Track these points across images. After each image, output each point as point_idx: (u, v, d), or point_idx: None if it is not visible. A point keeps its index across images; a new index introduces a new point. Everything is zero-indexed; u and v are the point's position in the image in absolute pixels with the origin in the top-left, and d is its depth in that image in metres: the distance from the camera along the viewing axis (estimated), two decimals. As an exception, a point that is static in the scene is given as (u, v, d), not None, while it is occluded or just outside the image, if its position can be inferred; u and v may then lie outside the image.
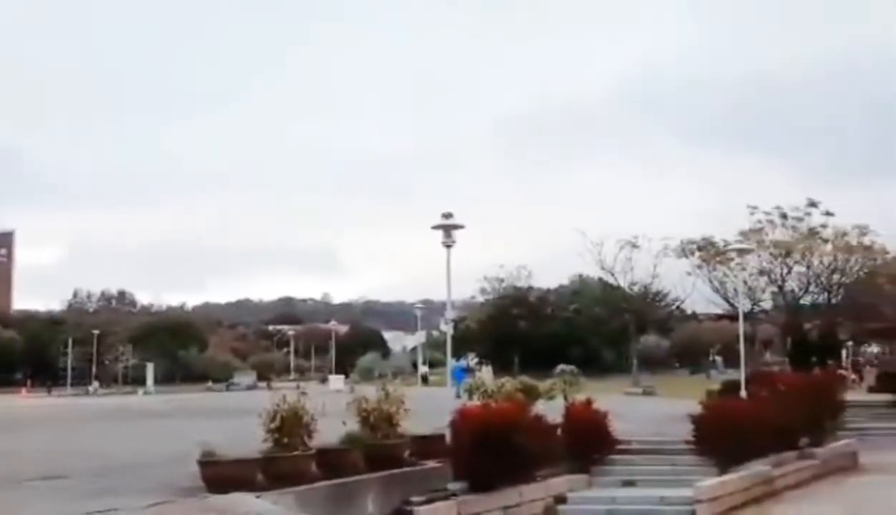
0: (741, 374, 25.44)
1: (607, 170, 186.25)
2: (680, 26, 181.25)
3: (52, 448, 18.32)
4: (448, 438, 14.47)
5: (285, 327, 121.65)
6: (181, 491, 10.90)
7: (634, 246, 57.67)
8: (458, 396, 20.90)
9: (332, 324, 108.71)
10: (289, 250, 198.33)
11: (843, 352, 56.31)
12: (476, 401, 17.84)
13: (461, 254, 18.01)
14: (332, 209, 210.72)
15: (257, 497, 10.45)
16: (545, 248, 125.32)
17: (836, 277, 44.84)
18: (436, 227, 17.51)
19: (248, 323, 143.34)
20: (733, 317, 42.60)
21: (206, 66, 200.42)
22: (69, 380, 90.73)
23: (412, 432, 14.26)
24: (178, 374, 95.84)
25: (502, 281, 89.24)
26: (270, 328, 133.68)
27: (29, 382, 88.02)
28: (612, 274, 61.29)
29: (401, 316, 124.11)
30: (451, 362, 23.14)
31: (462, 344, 67.13)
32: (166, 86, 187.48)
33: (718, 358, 75.99)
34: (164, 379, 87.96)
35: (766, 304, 47.23)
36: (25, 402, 59.63)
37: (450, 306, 18.95)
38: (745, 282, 39.77)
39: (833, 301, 45.87)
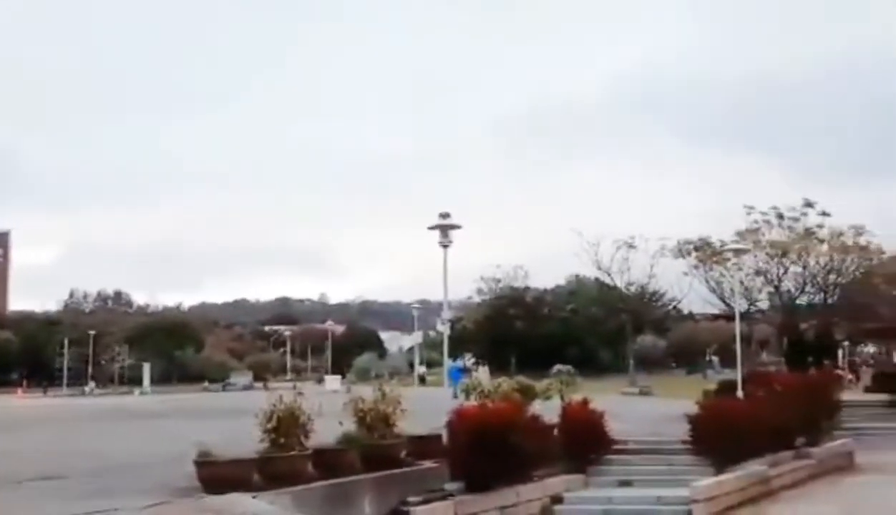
0: (738, 374, 25.46)
1: (606, 171, 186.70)
2: (680, 26, 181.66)
3: (49, 448, 18.27)
4: (445, 438, 14.47)
5: (282, 327, 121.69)
6: (178, 492, 10.89)
7: (631, 246, 57.79)
8: (455, 396, 20.90)
9: (329, 325, 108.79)
10: (285, 250, 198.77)
11: (840, 352, 56.37)
12: (473, 401, 17.82)
13: (458, 253, 18.08)
14: (329, 209, 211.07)
15: (254, 497, 10.45)
16: (542, 248, 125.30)
17: (832, 277, 44.92)
18: (432, 228, 17.54)
19: (245, 324, 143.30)
20: (730, 317, 42.68)
21: (206, 66, 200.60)
22: (65, 381, 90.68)
23: (409, 432, 14.26)
24: (174, 374, 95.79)
25: (499, 281, 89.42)
26: (267, 328, 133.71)
27: (25, 382, 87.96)
28: (609, 275, 61.37)
29: (397, 317, 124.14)
30: (447, 362, 23.17)
31: (459, 344, 67.16)
32: (166, 86, 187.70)
33: (715, 358, 76.12)
34: (160, 380, 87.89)
35: (763, 304, 47.33)
36: (21, 403, 59.52)
37: (446, 306, 19.00)
38: (742, 283, 39.82)
39: (829, 301, 45.95)
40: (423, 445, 14.56)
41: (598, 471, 17.56)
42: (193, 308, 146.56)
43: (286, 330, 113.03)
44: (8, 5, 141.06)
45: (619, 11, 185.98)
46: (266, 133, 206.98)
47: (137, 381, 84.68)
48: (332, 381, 62.68)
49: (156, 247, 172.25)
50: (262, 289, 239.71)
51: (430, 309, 68.23)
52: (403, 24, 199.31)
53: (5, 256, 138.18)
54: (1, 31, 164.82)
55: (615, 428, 18.74)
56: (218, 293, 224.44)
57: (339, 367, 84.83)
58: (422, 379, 61.07)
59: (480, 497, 13.51)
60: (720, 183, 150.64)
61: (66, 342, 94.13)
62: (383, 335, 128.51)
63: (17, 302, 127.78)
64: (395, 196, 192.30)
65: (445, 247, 17.53)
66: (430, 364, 70.35)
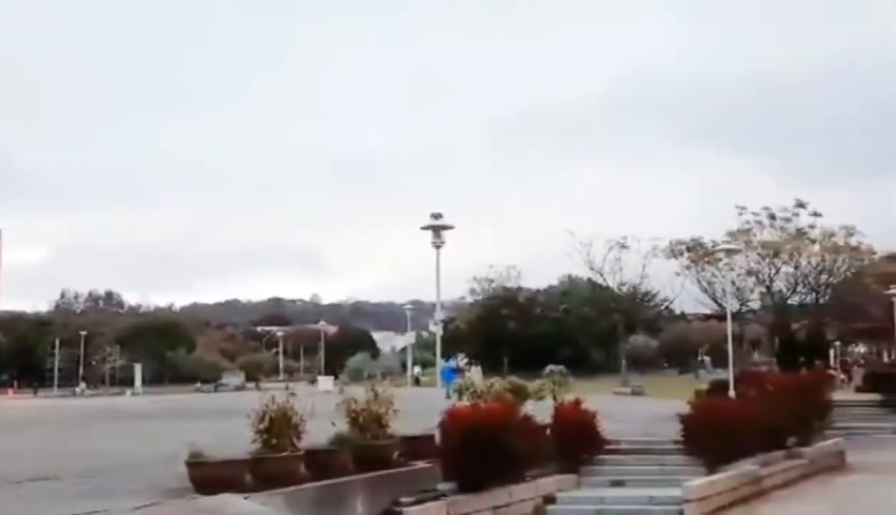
0: (729, 374, 25.55)
1: (601, 171, 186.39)
2: (680, 26, 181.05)
3: (40, 449, 18.22)
4: (438, 438, 14.46)
5: (274, 328, 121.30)
6: (169, 493, 10.87)
7: (623, 246, 57.93)
8: (447, 396, 20.91)
9: (322, 325, 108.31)
10: (278, 250, 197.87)
11: (831, 352, 56.65)
12: (465, 402, 17.84)
13: (451, 254, 18.06)
14: (324, 209, 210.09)
15: (246, 498, 10.43)
16: (535, 248, 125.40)
17: (823, 277, 45.14)
18: (425, 228, 17.53)
19: (237, 324, 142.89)
20: (722, 318, 42.83)
21: (206, 66, 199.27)
22: (56, 382, 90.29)
23: (401, 433, 14.25)
24: (166, 375, 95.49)
25: (492, 281, 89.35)
26: (259, 329, 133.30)
27: (16, 383, 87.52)
28: (602, 275, 61.57)
29: (390, 317, 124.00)
30: (440, 363, 23.20)
31: (451, 344, 67.18)
32: (166, 86, 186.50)
33: (707, 358, 76.21)
34: (151, 380, 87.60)
35: (755, 304, 47.53)
36: (12, 403, 59.25)
37: (439, 307, 19.01)
38: (734, 283, 39.97)
39: (821, 301, 46.18)
40: (416, 445, 14.56)
41: (590, 471, 17.58)
42: (185, 308, 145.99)
43: (278, 331, 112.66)
44: (8, 5, 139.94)
45: (619, 11, 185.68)
46: (266, 133, 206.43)
47: (129, 382, 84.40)
48: (325, 382, 62.50)
49: (150, 247, 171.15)
50: (255, 290, 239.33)
51: (422, 310, 68.20)
52: (403, 24, 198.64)
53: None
54: (1, 31, 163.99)
55: (607, 428, 18.76)
56: (210, 293, 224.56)
57: (332, 368, 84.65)
58: (416, 380, 61.08)
59: (473, 498, 13.51)
60: (713, 183, 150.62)
61: (56, 342, 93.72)
62: (376, 335, 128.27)
63: (8, 303, 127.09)
64: (390, 196, 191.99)
65: (438, 247, 17.51)
66: (424, 364, 70.30)
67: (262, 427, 11.84)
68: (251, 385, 76.53)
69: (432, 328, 41.47)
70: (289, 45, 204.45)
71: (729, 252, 32.41)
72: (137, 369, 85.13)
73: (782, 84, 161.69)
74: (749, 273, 44.81)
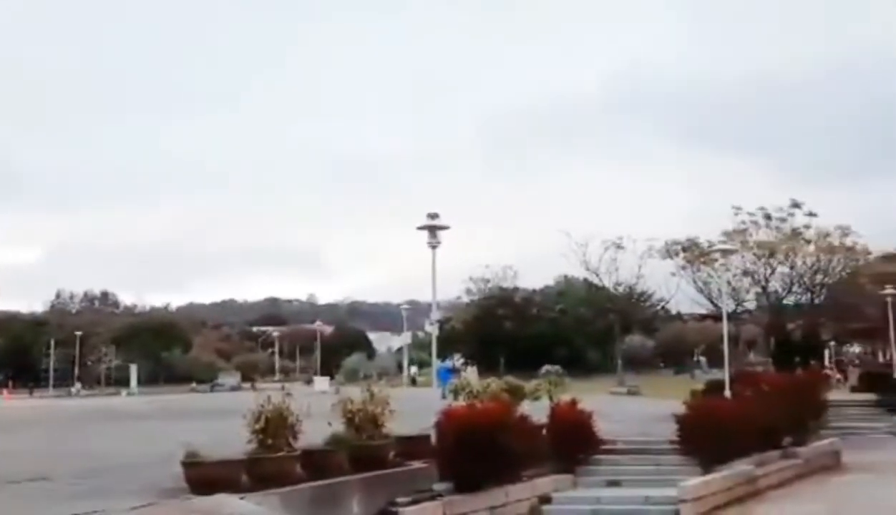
0: (725, 374, 25.53)
1: (598, 171, 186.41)
2: (679, 26, 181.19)
3: (36, 449, 18.19)
4: (433, 439, 14.47)
5: (270, 328, 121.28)
6: (165, 493, 10.87)
7: (619, 247, 58.06)
8: (443, 397, 20.89)
9: (318, 325, 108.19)
10: (276, 250, 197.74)
11: (826, 352, 56.76)
12: (461, 402, 17.83)
13: (448, 254, 18.00)
14: (322, 209, 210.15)
15: (241, 498, 10.43)
16: (531, 249, 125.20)
17: (818, 278, 45.29)
18: (421, 228, 17.49)
19: (233, 324, 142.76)
20: (717, 318, 42.88)
21: (206, 66, 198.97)
22: (51, 382, 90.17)
23: (397, 433, 14.26)
24: (161, 375, 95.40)
25: (488, 281, 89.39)
26: (255, 329, 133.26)
27: (11, 384, 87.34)
28: (598, 275, 61.66)
29: (386, 317, 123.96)
30: (436, 363, 23.18)
31: (447, 344, 67.12)
32: (166, 86, 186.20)
33: (703, 358, 76.33)
34: (147, 381, 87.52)
35: (750, 305, 47.69)
36: (7, 404, 59.15)
37: (435, 307, 18.98)
38: (729, 283, 40.02)
39: (816, 301, 46.32)
40: (412, 445, 14.56)
41: (586, 471, 17.59)
42: (181, 308, 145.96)
43: (274, 331, 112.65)
44: (8, 5, 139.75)
45: (619, 11, 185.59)
46: (266, 133, 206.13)
47: (124, 382, 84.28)
48: (321, 382, 62.47)
49: (148, 247, 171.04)
50: (251, 290, 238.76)
51: (418, 310, 68.27)
52: (403, 24, 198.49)
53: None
54: (1, 31, 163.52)
55: (603, 428, 18.77)
56: (206, 293, 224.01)
57: (328, 368, 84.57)
58: (412, 380, 61.07)
59: (469, 498, 13.51)
60: (711, 183, 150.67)
61: (52, 343, 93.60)
62: (372, 335, 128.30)
63: (3, 303, 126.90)
64: (389, 196, 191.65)
65: (434, 247, 17.49)
66: (421, 364, 70.32)
67: (257, 427, 11.84)
68: (247, 385, 76.42)
69: (428, 328, 41.46)
70: (289, 45, 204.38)
71: (725, 252, 32.48)
72: (133, 369, 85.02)
73: (782, 84, 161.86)
74: (745, 273, 44.95)
